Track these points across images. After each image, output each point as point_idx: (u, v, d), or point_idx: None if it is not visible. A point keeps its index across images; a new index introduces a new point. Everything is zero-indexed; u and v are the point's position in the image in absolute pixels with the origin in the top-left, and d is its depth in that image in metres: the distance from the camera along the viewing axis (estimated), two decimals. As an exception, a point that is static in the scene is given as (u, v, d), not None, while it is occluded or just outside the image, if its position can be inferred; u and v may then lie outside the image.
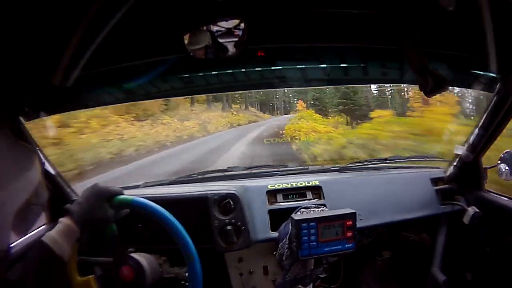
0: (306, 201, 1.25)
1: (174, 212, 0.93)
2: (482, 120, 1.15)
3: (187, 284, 0.92)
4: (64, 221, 0.81)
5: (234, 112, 13.35)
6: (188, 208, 1.16)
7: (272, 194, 1.27)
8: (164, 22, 0.85)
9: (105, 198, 0.87)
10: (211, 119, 11.97)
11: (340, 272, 1.43)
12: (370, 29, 0.91)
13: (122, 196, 0.89)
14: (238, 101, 12.56)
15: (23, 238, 1.15)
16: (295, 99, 12.76)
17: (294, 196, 1.28)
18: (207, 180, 1.46)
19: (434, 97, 0.94)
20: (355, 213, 1.04)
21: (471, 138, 1.23)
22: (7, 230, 0.65)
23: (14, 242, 1.10)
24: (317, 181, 1.30)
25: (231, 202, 1.16)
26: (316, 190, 1.29)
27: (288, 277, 1.06)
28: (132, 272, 0.90)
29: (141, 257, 0.94)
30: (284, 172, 1.48)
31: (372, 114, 9.19)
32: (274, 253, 1.31)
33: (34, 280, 0.72)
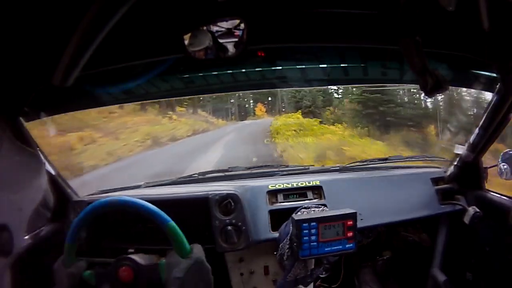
0: (306, 201, 1.25)
1: (174, 212, 0.93)
2: (482, 120, 1.15)
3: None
4: None
5: (175, 117, 9.19)
6: (189, 209, 1.16)
7: (272, 194, 1.27)
8: (164, 22, 0.85)
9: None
10: (126, 127, 7.29)
11: (340, 272, 1.43)
12: (370, 29, 0.91)
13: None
14: (185, 103, 9.67)
15: (24, 238, 1.14)
16: (252, 102, 11.13)
17: (295, 196, 1.28)
18: (208, 180, 1.46)
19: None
20: (355, 213, 1.04)
21: (471, 138, 1.23)
22: (23, 233, 0.64)
23: (15, 241, 1.10)
24: (318, 181, 1.30)
25: (232, 202, 1.16)
26: (317, 190, 1.29)
27: (289, 277, 1.06)
28: (131, 273, 0.90)
29: (140, 258, 0.94)
30: (285, 172, 1.48)
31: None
32: (275, 253, 1.31)
33: None
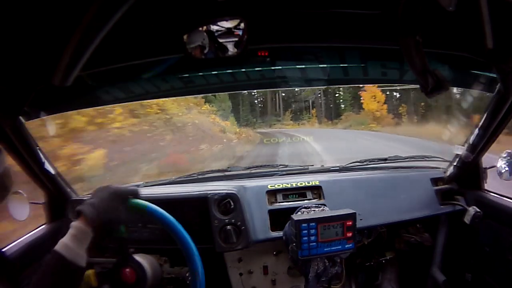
0: (306, 201, 1.25)
1: (174, 212, 0.93)
2: (482, 120, 1.15)
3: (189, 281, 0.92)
4: (76, 225, 0.77)
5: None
6: (188, 208, 1.16)
7: (272, 194, 1.27)
8: (164, 22, 0.85)
9: (120, 199, 0.84)
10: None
11: (341, 272, 1.43)
12: (370, 29, 0.91)
13: (137, 200, 0.87)
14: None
15: (23, 238, 1.15)
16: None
17: (294, 196, 1.28)
18: (207, 180, 1.46)
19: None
20: (355, 213, 1.04)
21: (471, 138, 1.23)
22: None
23: (15, 241, 1.11)
24: (317, 181, 1.30)
25: (231, 202, 1.16)
26: (316, 190, 1.29)
27: (311, 276, 1.06)
28: (133, 274, 0.90)
29: (142, 258, 0.94)
30: (284, 172, 1.48)
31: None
32: (274, 253, 1.31)
33: None
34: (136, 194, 0.87)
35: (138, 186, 1.45)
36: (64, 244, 0.74)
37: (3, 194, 0.73)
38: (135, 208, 0.86)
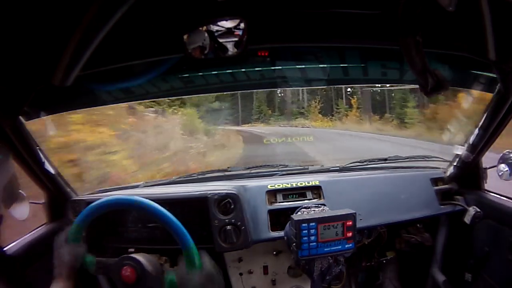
0: (306, 201, 1.25)
1: (174, 212, 0.93)
2: (482, 120, 1.15)
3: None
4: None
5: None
6: (188, 208, 1.16)
7: (272, 194, 1.27)
8: (164, 22, 0.85)
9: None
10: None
11: (342, 272, 1.43)
12: (370, 29, 0.91)
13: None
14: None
15: (23, 238, 1.15)
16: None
17: (294, 196, 1.28)
18: (207, 180, 1.46)
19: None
20: (355, 213, 1.04)
21: (471, 138, 1.23)
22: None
23: (15, 241, 1.11)
24: (317, 181, 1.30)
25: (231, 202, 1.16)
26: (316, 190, 1.29)
27: (315, 275, 1.06)
28: (133, 273, 0.91)
29: (142, 258, 0.94)
30: (284, 172, 1.48)
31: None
32: (274, 253, 1.31)
33: None
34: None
35: (138, 186, 1.46)
36: None
37: (12, 198, 0.73)
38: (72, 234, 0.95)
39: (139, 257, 0.94)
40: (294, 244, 1.01)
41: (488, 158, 1.31)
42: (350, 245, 1.03)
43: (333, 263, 1.07)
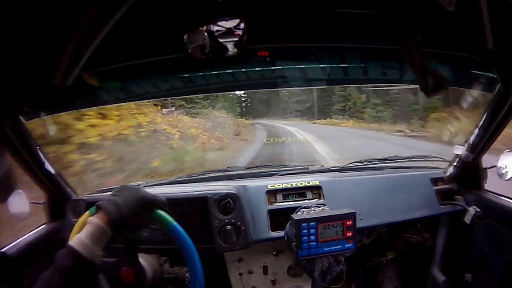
0: (306, 201, 1.25)
1: (174, 212, 0.93)
2: (482, 120, 1.15)
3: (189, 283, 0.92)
4: (94, 222, 0.71)
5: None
6: (188, 208, 1.16)
7: (272, 194, 1.27)
8: (164, 22, 0.85)
9: (147, 207, 0.80)
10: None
11: (342, 272, 1.43)
12: (370, 29, 0.91)
13: (163, 214, 0.82)
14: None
15: (24, 237, 1.15)
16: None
17: (294, 196, 1.28)
18: (207, 180, 1.46)
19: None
20: (355, 213, 1.04)
21: (471, 138, 1.23)
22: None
23: (14, 241, 1.11)
24: (317, 181, 1.30)
25: (231, 202, 1.16)
26: (316, 190, 1.29)
27: (316, 275, 1.06)
28: (133, 273, 0.90)
29: (141, 258, 0.94)
30: (284, 172, 1.48)
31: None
32: (274, 253, 1.31)
33: None
34: (164, 206, 0.83)
35: (139, 186, 1.45)
36: (81, 241, 0.67)
37: (7, 192, 0.71)
38: (159, 221, 0.82)
39: (138, 257, 0.94)
40: (294, 243, 1.02)
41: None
42: (350, 245, 1.03)
43: (333, 262, 1.07)
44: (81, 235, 0.69)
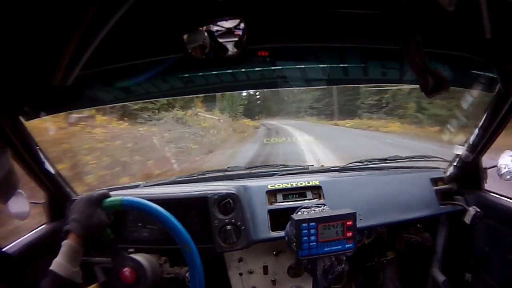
0: (306, 201, 1.25)
1: (174, 212, 0.93)
2: (482, 120, 1.15)
3: (189, 283, 0.92)
4: (66, 243, 0.82)
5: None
6: (188, 208, 1.16)
7: (272, 194, 1.27)
8: (164, 22, 0.85)
9: (95, 204, 0.87)
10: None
11: (342, 272, 1.43)
12: (370, 29, 0.91)
13: (111, 198, 0.89)
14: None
15: (23, 237, 1.15)
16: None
17: (294, 196, 1.28)
18: (207, 180, 1.46)
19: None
20: (355, 213, 1.04)
21: (471, 138, 1.23)
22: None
23: (15, 241, 1.11)
24: (317, 181, 1.30)
25: (231, 202, 1.16)
26: (316, 190, 1.29)
27: (318, 274, 1.06)
28: (133, 274, 0.91)
29: (141, 258, 0.94)
30: (284, 172, 1.49)
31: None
32: (274, 253, 1.31)
33: None
34: (106, 195, 0.90)
35: (138, 186, 1.45)
36: (58, 263, 0.78)
37: (9, 193, 0.73)
38: (112, 207, 0.89)
39: (138, 257, 0.94)
40: (294, 244, 1.01)
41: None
42: (350, 245, 1.03)
43: (335, 262, 1.07)
44: (57, 258, 0.79)
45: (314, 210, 1.13)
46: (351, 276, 1.51)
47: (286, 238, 1.11)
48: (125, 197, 0.89)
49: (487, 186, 1.35)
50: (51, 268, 0.77)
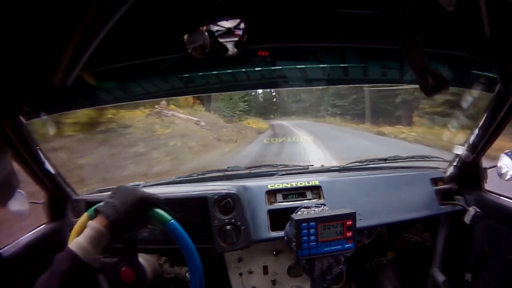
0: (306, 201, 1.25)
1: (173, 212, 0.93)
2: (482, 120, 1.15)
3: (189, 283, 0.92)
4: (94, 225, 0.73)
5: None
6: (188, 208, 1.16)
7: (271, 194, 1.27)
8: (164, 22, 0.85)
9: (144, 207, 0.81)
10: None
11: (342, 272, 1.43)
12: (370, 29, 0.91)
13: (161, 212, 0.83)
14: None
15: (23, 237, 1.15)
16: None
17: (294, 196, 1.28)
18: (207, 180, 1.46)
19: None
20: (355, 213, 1.04)
21: (471, 138, 1.23)
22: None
23: (14, 241, 1.11)
24: (317, 181, 1.30)
25: (231, 202, 1.16)
26: (316, 190, 1.29)
27: (316, 275, 1.06)
28: (133, 273, 0.91)
29: (141, 258, 0.94)
30: (284, 172, 1.48)
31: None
32: (274, 252, 1.31)
33: None
34: (161, 205, 0.84)
35: (138, 186, 1.45)
36: (80, 244, 0.69)
37: (10, 193, 0.71)
38: (157, 219, 0.83)
39: (138, 257, 0.94)
40: (294, 243, 1.01)
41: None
42: (350, 245, 1.03)
43: (333, 262, 1.07)
44: (80, 238, 0.70)
45: (314, 210, 1.13)
46: (351, 276, 1.51)
47: (286, 237, 1.11)
48: (173, 222, 0.82)
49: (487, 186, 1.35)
50: (71, 247, 0.68)
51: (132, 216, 0.77)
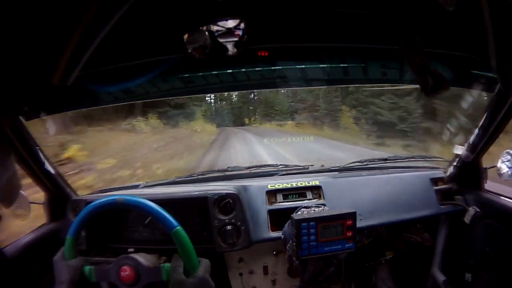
0: (306, 201, 1.25)
1: (173, 212, 0.93)
2: (482, 120, 1.15)
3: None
4: None
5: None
6: (188, 208, 1.16)
7: (272, 194, 1.27)
8: (164, 22, 0.85)
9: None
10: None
11: (341, 272, 1.43)
12: (370, 29, 0.91)
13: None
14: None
15: (23, 238, 1.15)
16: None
17: (294, 196, 1.28)
18: (207, 180, 1.46)
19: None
20: (355, 213, 1.04)
21: (471, 138, 1.23)
22: None
23: (15, 241, 1.11)
24: (317, 181, 1.30)
25: (231, 202, 1.16)
26: (316, 190, 1.29)
27: (306, 276, 1.06)
28: (132, 273, 0.91)
29: (141, 257, 0.94)
30: (284, 172, 1.48)
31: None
32: (274, 253, 1.31)
33: None
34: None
35: (137, 186, 1.45)
36: None
37: (14, 195, 0.72)
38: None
39: (138, 256, 0.94)
40: (294, 243, 1.01)
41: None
42: (350, 244, 1.03)
43: (324, 265, 1.07)
44: None
45: (314, 210, 1.13)
46: (350, 276, 1.50)
47: (283, 237, 1.11)
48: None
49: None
50: None
51: None
